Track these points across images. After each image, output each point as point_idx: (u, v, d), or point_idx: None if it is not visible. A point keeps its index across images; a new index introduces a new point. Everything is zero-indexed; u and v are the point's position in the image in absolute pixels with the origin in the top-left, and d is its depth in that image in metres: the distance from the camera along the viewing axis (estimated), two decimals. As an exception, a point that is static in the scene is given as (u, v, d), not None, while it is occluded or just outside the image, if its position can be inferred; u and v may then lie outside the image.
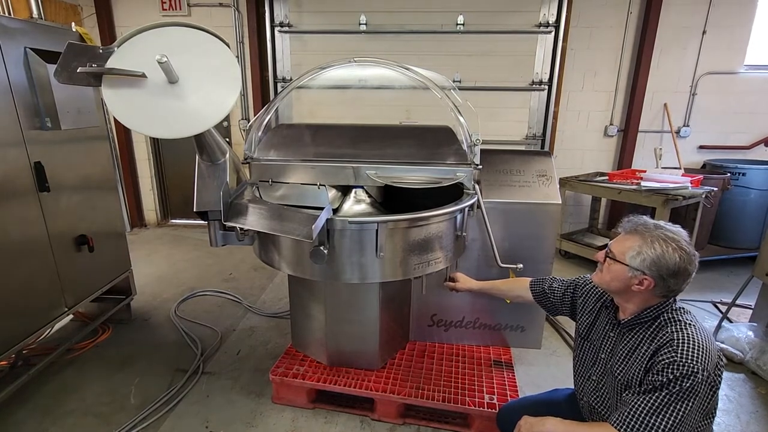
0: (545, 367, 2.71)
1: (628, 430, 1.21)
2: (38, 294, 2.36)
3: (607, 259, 1.40)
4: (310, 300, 2.38)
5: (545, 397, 1.82)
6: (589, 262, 4.32)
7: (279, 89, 4.99)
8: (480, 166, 2.14)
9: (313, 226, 1.53)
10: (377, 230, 1.78)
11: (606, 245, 1.45)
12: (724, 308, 3.17)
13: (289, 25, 4.79)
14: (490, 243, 2.28)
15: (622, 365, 1.38)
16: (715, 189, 3.86)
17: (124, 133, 5.18)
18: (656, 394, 1.21)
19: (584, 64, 4.66)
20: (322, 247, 1.74)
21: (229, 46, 1.41)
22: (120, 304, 3.09)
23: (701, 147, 4.81)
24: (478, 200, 2.14)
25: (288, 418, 2.27)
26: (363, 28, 4.62)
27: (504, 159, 2.52)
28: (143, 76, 1.32)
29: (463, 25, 4.55)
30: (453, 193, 2.16)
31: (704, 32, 4.45)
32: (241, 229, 1.83)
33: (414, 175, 2.12)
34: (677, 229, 1.32)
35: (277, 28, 4.81)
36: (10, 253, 2.16)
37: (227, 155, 1.76)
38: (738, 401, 2.46)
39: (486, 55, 4.68)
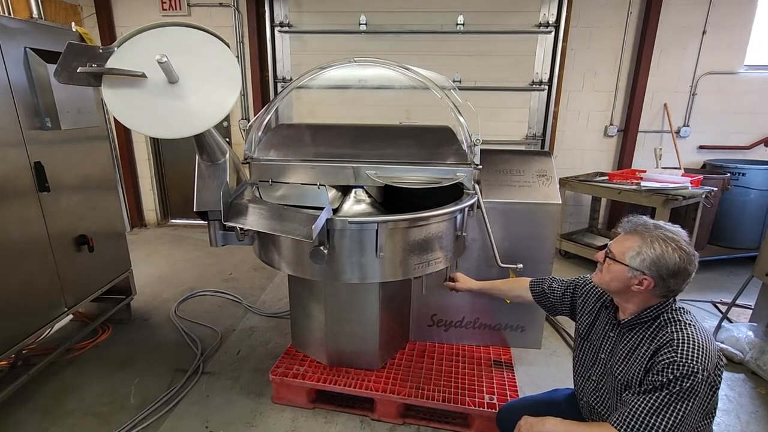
0: (545, 367, 2.71)
1: (628, 430, 1.21)
2: (38, 294, 2.36)
3: (607, 259, 1.40)
4: (310, 300, 2.38)
5: (545, 397, 1.82)
6: (589, 262, 4.32)
7: (279, 89, 4.99)
8: (480, 166, 2.14)
9: (313, 226, 1.53)
10: (377, 230, 1.78)
11: (606, 245, 1.46)
12: (724, 308, 3.17)
13: (289, 25, 4.79)
14: (490, 243, 2.28)
15: (622, 365, 1.38)
16: (715, 189, 3.86)
17: (124, 133, 5.18)
18: (656, 394, 1.21)
19: (584, 64, 4.67)
20: (322, 247, 1.74)
21: (229, 46, 1.41)
22: (120, 304, 3.09)
23: (701, 147, 4.81)
24: (478, 200, 2.14)
25: (288, 418, 2.27)
26: (363, 28, 4.62)
27: (504, 159, 2.52)
28: (143, 76, 1.32)
29: (463, 25, 4.55)
30: (453, 193, 2.16)
31: (704, 32, 4.45)
32: (241, 229, 1.83)
33: (414, 175, 2.12)
34: (677, 229, 1.32)
35: (277, 28, 4.81)
36: (10, 253, 2.16)
37: (227, 155, 1.76)
38: (738, 401, 2.46)
39: (486, 55, 4.68)
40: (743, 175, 4.22)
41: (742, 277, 2.90)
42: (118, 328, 3.12)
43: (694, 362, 1.18)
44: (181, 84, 1.33)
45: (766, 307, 2.81)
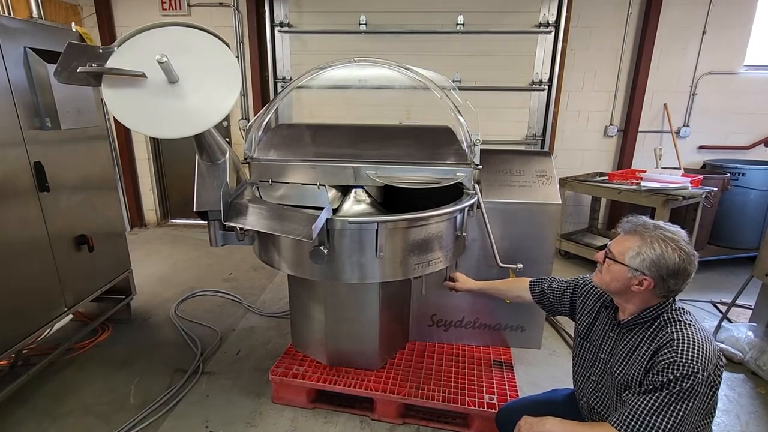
0: (545, 367, 2.71)
1: (628, 430, 1.21)
2: (38, 294, 2.36)
3: (607, 259, 1.40)
4: (310, 300, 2.38)
5: (545, 397, 1.82)
6: (589, 262, 4.32)
7: (279, 89, 4.99)
8: (480, 166, 2.14)
9: (313, 226, 1.53)
10: (377, 230, 1.78)
11: (605, 245, 1.46)
12: (724, 308, 3.17)
13: (289, 25, 4.80)
14: (490, 243, 2.28)
15: (622, 365, 1.38)
16: (715, 189, 3.86)
17: (124, 133, 5.18)
18: (656, 394, 1.21)
19: (584, 64, 4.67)
20: (322, 247, 1.74)
21: (229, 46, 1.41)
22: (120, 304, 3.09)
23: (701, 147, 4.81)
24: (478, 200, 2.14)
25: (288, 418, 2.27)
26: (363, 28, 4.62)
27: (504, 159, 2.52)
28: (143, 76, 1.32)
29: (463, 25, 4.55)
30: (453, 193, 2.16)
31: (704, 32, 4.45)
32: (241, 229, 1.83)
33: (414, 175, 2.12)
34: (676, 229, 1.32)
35: (277, 28, 4.81)
36: (10, 253, 2.16)
37: (227, 155, 1.76)
38: (738, 401, 2.46)
39: (486, 55, 4.68)
40: (743, 175, 4.22)
41: (742, 277, 2.90)
42: (118, 328, 3.12)
43: (694, 362, 1.18)
44: (181, 84, 1.33)
45: (766, 307, 2.81)
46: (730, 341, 2.81)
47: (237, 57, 4.33)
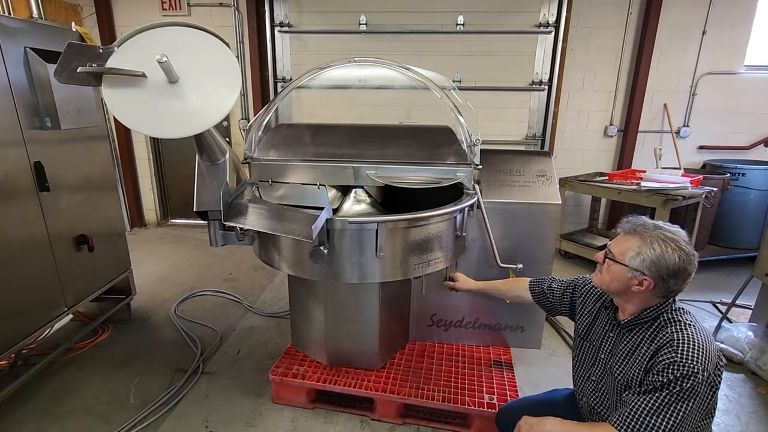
0: (545, 367, 2.71)
1: (628, 430, 1.21)
2: (38, 294, 2.36)
3: (607, 259, 1.40)
4: (310, 300, 2.38)
5: (545, 398, 1.82)
6: (589, 262, 4.32)
7: (279, 89, 4.99)
8: (480, 166, 2.14)
9: (313, 226, 1.53)
10: (377, 230, 1.78)
11: (605, 245, 1.45)
12: (724, 308, 3.17)
13: (289, 25, 4.79)
14: (490, 243, 2.28)
15: (622, 366, 1.38)
16: (715, 189, 3.86)
17: (124, 132, 5.18)
18: (656, 394, 1.21)
19: (584, 64, 4.67)
20: (321, 247, 1.74)
21: (229, 46, 1.41)
22: (120, 304, 3.09)
23: (701, 147, 4.81)
24: (478, 200, 2.14)
25: (288, 418, 2.27)
26: (363, 28, 4.62)
27: (504, 159, 2.52)
28: (143, 75, 1.32)
29: (463, 25, 4.55)
30: (453, 193, 2.16)
31: (704, 32, 4.45)
32: (241, 229, 1.83)
33: (414, 175, 2.12)
34: (676, 229, 1.32)
35: (277, 28, 4.81)
36: (10, 253, 2.16)
37: (227, 155, 1.76)
38: (738, 401, 2.46)
39: (486, 55, 4.68)
40: (743, 175, 4.22)
41: (742, 277, 2.90)
42: (118, 327, 3.12)
43: (695, 362, 1.18)
44: (181, 84, 1.33)
45: (766, 307, 2.81)
46: (730, 341, 2.81)
47: (237, 57, 4.32)
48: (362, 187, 2.23)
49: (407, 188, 2.13)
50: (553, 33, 4.56)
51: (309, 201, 1.91)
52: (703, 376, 1.18)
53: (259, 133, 2.31)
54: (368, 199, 2.25)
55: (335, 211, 2.18)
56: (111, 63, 1.32)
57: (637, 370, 1.31)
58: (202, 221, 1.82)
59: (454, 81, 4.63)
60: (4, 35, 2.10)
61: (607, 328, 1.50)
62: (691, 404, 1.19)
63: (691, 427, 1.25)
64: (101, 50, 1.34)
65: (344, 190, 2.28)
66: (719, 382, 1.27)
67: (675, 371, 1.19)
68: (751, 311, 2.99)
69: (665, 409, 1.19)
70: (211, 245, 1.87)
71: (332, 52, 4.73)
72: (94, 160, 2.77)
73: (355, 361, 2.38)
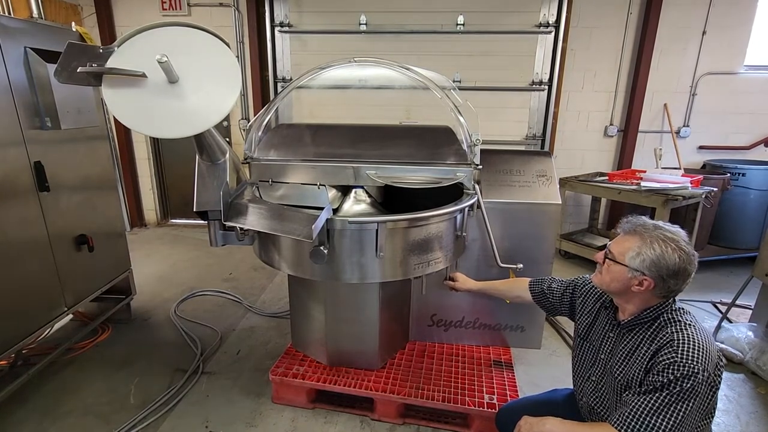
0: (545, 367, 2.71)
1: (629, 430, 1.21)
2: (38, 294, 2.36)
3: (607, 260, 1.40)
4: (310, 300, 2.38)
5: (544, 398, 1.82)
6: (589, 262, 4.32)
7: (279, 89, 4.99)
8: (480, 166, 2.14)
9: (313, 226, 1.53)
10: (377, 230, 1.78)
11: (605, 246, 1.45)
12: (724, 308, 3.17)
13: (289, 25, 4.80)
14: (490, 243, 2.28)
15: (622, 366, 1.38)
16: (715, 189, 3.86)
17: (124, 132, 5.18)
18: (656, 394, 1.21)
19: (584, 64, 4.66)
20: (322, 247, 1.74)
21: (229, 46, 1.40)
22: (120, 304, 3.09)
23: (701, 147, 4.81)
24: (478, 200, 2.14)
25: (288, 418, 2.27)
26: (363, 28, 4.62)
27: (504, 159, 2.52)
28: (143, 75, 1.32)
29: (463, 25, 4.55)
30: (453, 193, 2.16)
31: (704, 32, 4.46)
32: (241, 229, 1.83)
33: (414, 175, 2.12)
34: (676, 229, 1.32)
35: (277, 28, 4.81)
36: (10, 253, 2.16)
37: (227, 155, 1.76)
38: (738, 401, 2.46)
39: (486, 55, 4.68)
40: (743, 175, 4.22)
41: (742, 277, 2.90)
42: (118, 327, 3.12)
43: (695, 363, 1.18)
44: (181, 84, 1.33)
45: (766, 307, 2.81)
46: (730, 341, 2.81)
47: (237, 57, 4.32)
48: (362, 187, 2.23)
49: (407, 188, 2.13)
50: (553, 33, 4.56)
51: (309, 201, 1.91)
52: (703, 376, 1.18)
53: (259, 133, 2.31)
54: (368, 199, 2.25)
55: (335, 211, 2.18)
56: (111, 63, 1.32)
57: (637, 371, 1.31)
58: (202, 221, 1.82)
59: (454, 81, 4.63)
60: (4, 35, 2.10)
61: (607, 328, 1.50)
62: (691, 404, 1.19)
63: (691, 427, 1.25)
64: (101, 50, 1.34)
65: (344, 190, 2.28)
66: (719, 383, 1.27)
67: (675, 371, 1.19)
68: (751, 311, 2.99)
69: (665, 409, 1.19)
70: (211, 245, 1.87)
71: (332, 52, 4.73)
72: (94, 160, 2.77)
73: (355, 361, 2.38)
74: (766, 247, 2.64)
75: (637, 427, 1.21)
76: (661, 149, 4.67)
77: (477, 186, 2.15)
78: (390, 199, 2.38)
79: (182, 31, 1.37)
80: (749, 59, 4.53)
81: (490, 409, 2.09)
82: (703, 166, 4.76)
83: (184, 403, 2.37)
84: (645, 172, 4.32)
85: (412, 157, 2.16)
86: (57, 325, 2.79)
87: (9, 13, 3.12)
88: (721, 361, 1.28)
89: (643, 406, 1.22)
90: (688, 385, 1.18)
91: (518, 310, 2.51)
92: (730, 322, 3.05)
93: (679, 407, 1.18)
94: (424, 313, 2.61)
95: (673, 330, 1.28)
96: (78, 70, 1.28)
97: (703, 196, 3.72)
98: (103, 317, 2.97)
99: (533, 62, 4.70)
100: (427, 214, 1.84)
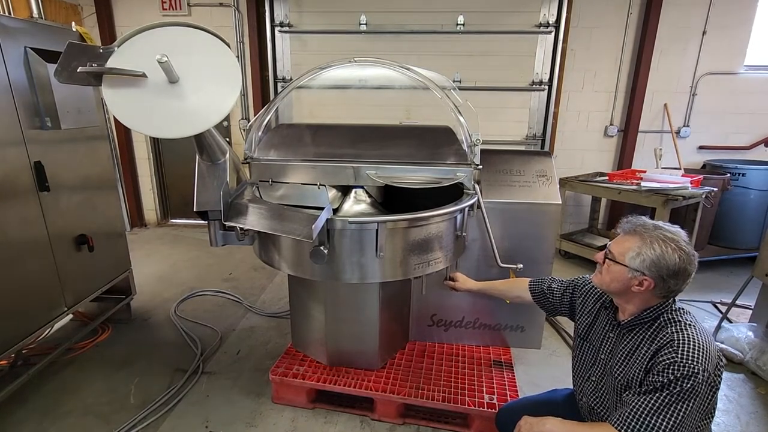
0: (545, 367, 2.71)
1: (629, 430, 1.21)
2: (38, 294, 2.36)
3: (607, 260, 1.40)
4: (310, 300, 2.38)
5: (545, 397, 1.82)
6: (589, 262, 4.32)
7: (279, 89, 4.99)
8: (480, 166, 2.14)
9: (313, 226, 1.53)
10: (377, 230, 1.78)
11: (605, 246, 1.45)
12: (724, 308, 3.17)
13: (289, 25, 4.80)
14: (490, 243, 2.28)
15: (622, 366, 1.38)
16: (715, 189, 3.86)
17: (124, 132, 5.18)
18: (657, 394, 1.21)
19: (584, 64, 4.66)
20: (322, 247, 1.74)
21: (229, 46, 1.40)
22: (120, 304, 3.09)
23: (701, 147, 4.81)
24: (478, 200, 2.14)
25: (288, 418, 2.27)
26: (363, 28, 4.62)
27: (504, 159, 2.52)
28: (143, 75, 1.32)
29: (463, 25, 4.55)
30: (453, 193, 2.16)
31: (704, 32, 4.45)
32: (241, 229, 1.83)
33: (414, 175, 2.12)
34: (676, 229, 1.32)
35: (277, 28, 4.81)
36: (10, 253, 2.16)
37: (227, 155, 1.76)
38: (738, 401, 2.46)
39: (486, 55, 4.68)
40: (743, 175, 4.22)
41: (742, 277, 2.90)
42: (118, 327, 3.12)
43: (695, 363, 1.18)
44: (181, 84, 1.33)
45: (766, 307, 2.81)
46: (730, 341, 2.81)
47: (237, 57, 4.32)
48: (362, 187, 2.23)
49: (407, 188, 2.13)
50: (553, 33, 4.56)
51: (309, 201, 1.91)
52: (703, 376, 1.18)
53: (259, 133, 2.31)
54: (368, 199, 2.25)
55: (335, 211, 2.18)
56: (111, 63, 1.32)
57: (637, 371, 1.31)
58: (202, 221, 1.82)
59: (454, 81, 4.63)
60: (4, 35, 2.10)
61: (607, 328, 1.50)
62: (691, 404, 1.19)
63: (691, 427, 1.25)
64: (101, 50, 1.34)
65: (344, 190, 2.28)
66: (719, 383, 1.27)
67: (675, 371, 1.19)
68: (751, 311, 2.99)
69: (665, 410, 1.19)
70: (211, 245, 1.87)
71: (332, 52, 4.73)
72: (94, 160, 2.77)
73: (355, 361, 2.38)
74: (766, 247, 2.64)
75: (637, 427, 1.21)
76: (661, 149, 4.67)
77: (477, 186, 2.15)
78: (390, 199, 2.38)
79: (182, 31, 1.37)
80: (749, 59, 4.53)
81: (490, 409, 2.09)
82: (703, 166, 4.76)
83: (184, 403, 2.37)
84: (645, 172, 4.32)
85: (412, 157, 2.16)
86: (57, 325, 2.79)
87: (9, 13, 3.12)
88: (721, 361, 1.28)
89: (643, 406, 1.22)
90: (688, 386, 1.18)
91: (518, 310, 2.51)
92: (730, 322, 3.05)
93: (679, 407, 1.18)
94: (424, 313, 2.61)
95: (674, 330, 1.28)
96: (78, 70, 1.28)
97: (703, 196, 3.72)
98: (103, 317, 2.97)
99: (533, 62, 4.70)
100: (427, 214, 1.84)
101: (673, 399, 1.19)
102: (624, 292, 1.37)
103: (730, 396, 2.50)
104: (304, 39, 4.86)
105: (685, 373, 1.18)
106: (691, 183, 3.80)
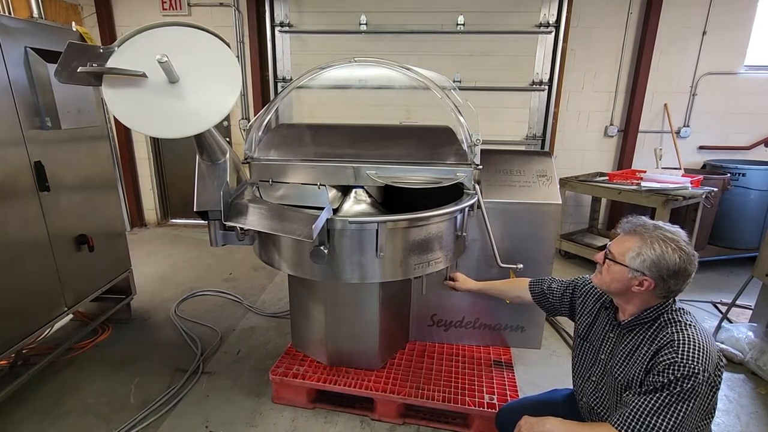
0: (545, 367, 2.71)
1: (629, 430, 1.21)
2: (38, 294, 2.36)
3: (607, 260, 1.40)
4: (310, 300, 2.38)
5: (544, 398, 1.82)
6: (589, 262, 4.32)
7: (279, 89, 4.99)
8: (480, 166, 2.14)
9: (314, 226, 1.53)
10: (377, 230, 1.78)
11: (605, 246, 1.45)
12: (724, 308, 3.17)
13: (289, 25, 4.80)
14: (490, 243, 2.28)
15: (622, 366, 1.38)
16: (715, 189, 3.86)
17: (124, 132, 5.18)
18: (657, 394, 1.21)
19: (584, 64, 4.66)
20: (322, 247, 1.74)
21: (229, 46, 1.40)
22: (120, 304, 3.09)
23: (701, 147, 4.81)
24: (478, 200, 2.14)
25: (288, 418, 2.27)
26: (363, 28, 4.62)
27: (504, 159, 2.52)
28: (144, 75, 1.32)
29: (463, 25, 4.55)
30: (453, 193, 2.16)
31: (704, 33, 4.45)
32: (241, 229, 1.83)
33: (414, 175, 2.12)
34: (676, 229, 1.32)
35: (277, 28, 4.81)
36: (10, 253, 2.16)
37: (227, 155, 1.76)
38: (738, 402, 2.46)
39: (486, 55, 4.68)
40: (743, 175, 4.22)
41: (742, 278, 2.90)
42: (118, 327, 3.11)
43: (695, 363, 1.18)
44: (181, 84, 1.33)
45: (766, 308, 2.81)
46: (730, 341, 2.81)
47: (237, 57, 4.32)
48: (362, 187, 2.23)
49: (407, 188, 2.13)
50: (553, 33, 4.56)
51: (309, 201, 1.91)
52: (703, 376, 1.18)
53: (260, 133, 2.31)
54: (368, 199, 2.25)
55: (335, 211, 2.18)
56: (111, 63, 1.32)
57: (637, 371, 1.31)
58: (203, 221, 1.82)
59: (454, 81, 4.63)
60: (4, 35, 2.10)
61: (607, 328, 1.50)
62: (691, 405, 1.19)
63: (691, 428, 1.25)
64: (101, 50, 1.34)
65: (344, 190, 2.28)
66: (719, 383, 1.27)
67: (675, 372, 1.19)
68: (751, 311, 2.99)
69: (665, 410, 1.19)
70: (211, 245, 1.87)
71: (332, 52, 4.73)
72: (94, 160, 2.77)
73: (355, 361, 2.38)
74: (766, 247, 2.64)
75: (638, 427, 1.21)
76: (661, 149, 4.67)
77: (477, 186, 2.15)
78: (390, 199, 2.38)
79: (182, 31, 1.37)
80: (749, 59, 4.53)
81: (490, 409, 2.09)
82: (704, 166, 4.76)
83: (184, 403, 2.37)
84: (645, 172, 4.32)
85: (412, 157, 2.16)
86: (57, 325, 2.79)
87: (9, 13, 3.12)
88: (722, 361, 1.28)
89: (643, 406, 1.22)
90: (689, 386, 1.18)
91: (518, 310, 2.51)
92: (730, 322, 3.05)
93: (679, 407, 1.19)
94: (424, 313, 2.61)
95: (674, 330, 1.28)
96: (78, 70, 1.28)
97: (704, 196, 3.72)
98: (103, 317, 2.97)
99: (533, 62, 4.70)
100: (427, 214, 1.84)
101: (673, 399, 1.19)
102: (624, 292, 1.37)
103: (730, 396, 2.50)
104: (304, 39, 4.86)
105: (685, 373, 1.18)
106: (691, 183, 3.80)
